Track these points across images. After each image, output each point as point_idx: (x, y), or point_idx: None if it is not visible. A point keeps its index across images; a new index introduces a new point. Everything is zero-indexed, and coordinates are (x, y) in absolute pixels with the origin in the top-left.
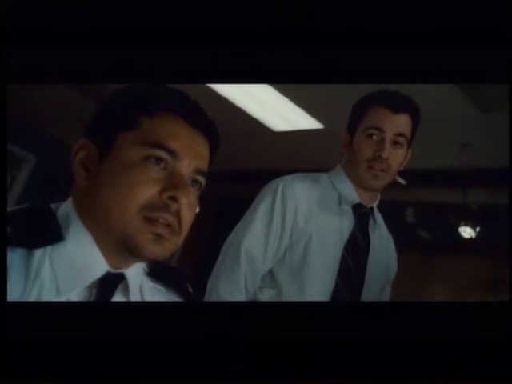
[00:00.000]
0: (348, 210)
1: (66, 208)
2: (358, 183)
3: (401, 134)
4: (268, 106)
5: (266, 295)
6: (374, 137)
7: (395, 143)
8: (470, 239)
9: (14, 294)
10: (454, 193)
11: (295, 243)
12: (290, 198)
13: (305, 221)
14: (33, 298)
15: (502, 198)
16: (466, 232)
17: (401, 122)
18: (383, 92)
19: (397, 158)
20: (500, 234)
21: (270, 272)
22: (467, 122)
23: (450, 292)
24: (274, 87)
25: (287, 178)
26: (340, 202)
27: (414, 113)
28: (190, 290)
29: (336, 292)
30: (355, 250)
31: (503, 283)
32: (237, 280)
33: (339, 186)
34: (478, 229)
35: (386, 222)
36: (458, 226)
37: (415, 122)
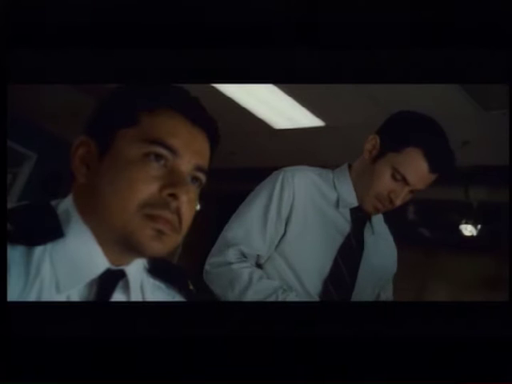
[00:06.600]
0: (345, 212)
1: (66, 205)
2: (360, 195)
3: (420, 190)
4: (269, 103)
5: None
6: (398, 182)
7: (411, 192)
8: (471, 237)
9: (14, 291)
10: (455, 190)
11: (288, 236)
12: (288, 192)
13: (298, 218)
14: (33, 295)
15: (503, 195)
16: (467, 230)
17: (429, 181)
18: (431, 143)
19: (403, 200)
20: (501, 232)
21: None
22: (468, 120)
23: (451, 290)
24: (276, 85)
25: (288, 170)
26: (337, 203)
27: (447, 173)
28: (191, 287)
29: (325, 295)
30: (349, 254)
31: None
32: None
33: (340, 186)
34: (479, 226)
35: (387, 220)
36: (459, 223)
37: (438, 179)
